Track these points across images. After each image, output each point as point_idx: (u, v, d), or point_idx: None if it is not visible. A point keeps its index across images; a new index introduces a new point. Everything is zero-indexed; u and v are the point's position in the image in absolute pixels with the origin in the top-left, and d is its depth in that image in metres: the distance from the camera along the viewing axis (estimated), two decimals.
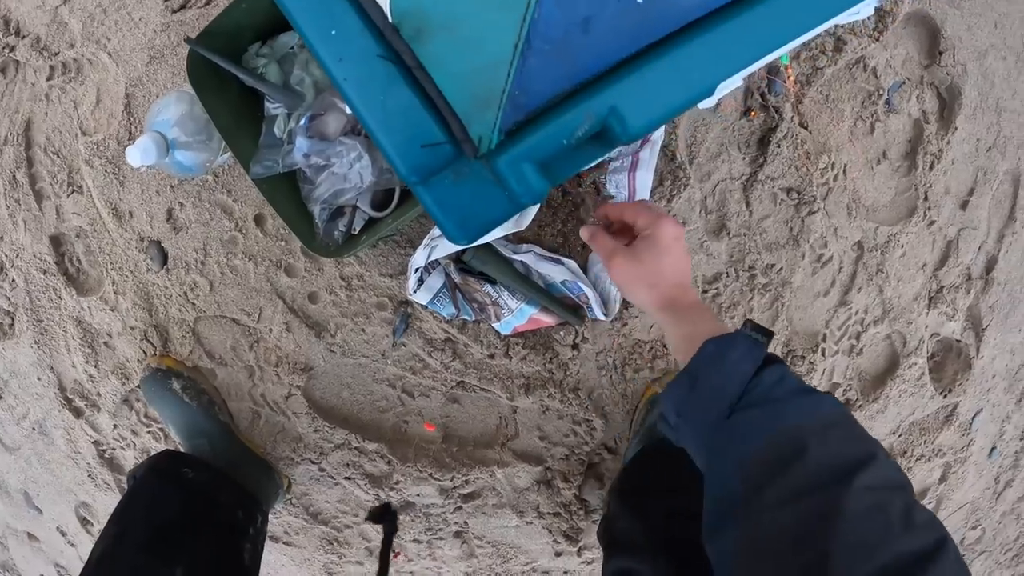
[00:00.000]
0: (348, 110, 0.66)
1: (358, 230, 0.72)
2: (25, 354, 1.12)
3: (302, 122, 0.68)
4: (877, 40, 0.96)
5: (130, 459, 1.16)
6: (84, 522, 1.33)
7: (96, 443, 1.15)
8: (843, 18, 0.51)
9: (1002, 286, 1.19)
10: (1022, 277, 1.23)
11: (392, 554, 1.10)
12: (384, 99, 0.33)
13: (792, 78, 0.86)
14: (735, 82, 0.41)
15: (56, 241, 1.01)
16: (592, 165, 0.75)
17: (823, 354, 1.03)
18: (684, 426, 0.51)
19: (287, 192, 0.71)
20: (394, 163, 0.35)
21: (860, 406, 1.13)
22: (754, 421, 0.44)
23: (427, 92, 0.33)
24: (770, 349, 0.94)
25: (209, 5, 0.86)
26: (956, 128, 1.03)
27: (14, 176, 1.00)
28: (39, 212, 1.00)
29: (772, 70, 0.84)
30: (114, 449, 1.16)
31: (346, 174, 0.67)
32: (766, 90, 0.84)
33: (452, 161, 0.34)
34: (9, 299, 1.09)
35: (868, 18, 0.96)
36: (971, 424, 1.37)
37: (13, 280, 1.06)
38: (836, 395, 1.13)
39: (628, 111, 0.35)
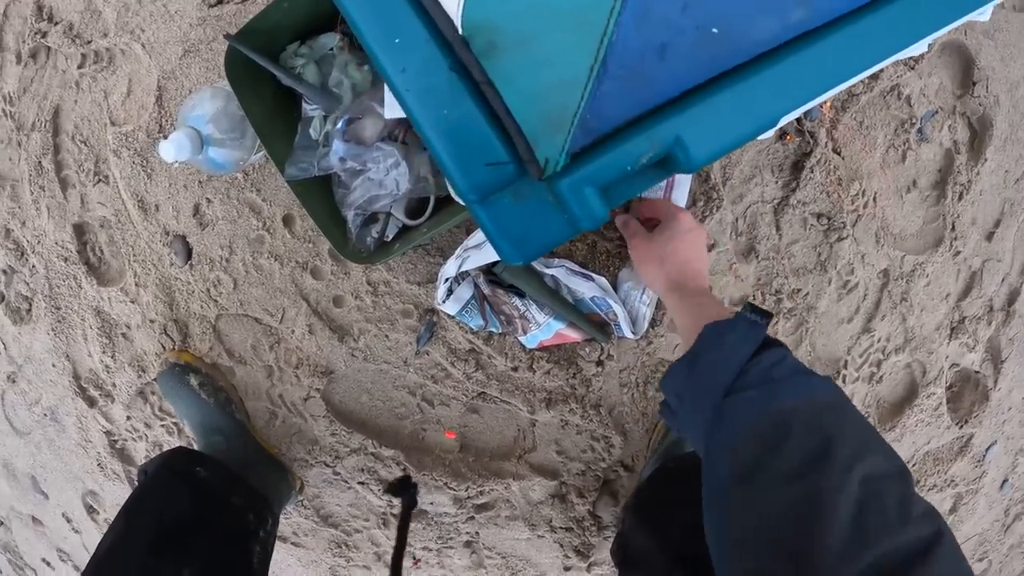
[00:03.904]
0: (386, 115, 0.65)
1: (391, 237, 0.71)
2: (41, 340, 1.11)
3: (339, 125, 0.67)
4: (912, 68, 0.95)
5: (141, 451, 1.15)
6: (90, 510, 1.32)
7: (108, 433, 1.14)
8: (904, 53, 0.50)
9: (1023, 319, 1.17)
10: None
11: (413, 561, 1.08)
12: (448, 113, 0.32)
13: (828, 103, 0.85)
14: (796, 114, 0.40)
15: (79, 230, 1.00)
16: None
17: (843, 380, 1.01)
18: (683, 410, 0.51)
19: (321, 195, 0.70)
20: (453, 179, 0.33)
21: (881, 430, 1.12)
22: (749, 402, 0.42)
23: (494, 109, 0.32)
24: None
25: (246, 2, 0.86)
26: (986, 159, 1.01)
27: (40, 162, 0.99)
28: (63, 200, 0.99)
29: None
30: (126, 440, 1.15)
31: (382, 180, 0.66)
32: (803, 115, 0.82)
33: (513, 181, 0.33)
34: (28, 284, 1.08)
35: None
36: (984, 456, 1.36)
37: (33, 266, 1.05)
38: None
39: (692, 141, 0.33)
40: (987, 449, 1.38)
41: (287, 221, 0.87)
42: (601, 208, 0.33)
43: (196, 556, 0.71)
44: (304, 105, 0.71)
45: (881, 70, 0.91)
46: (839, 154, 0.88)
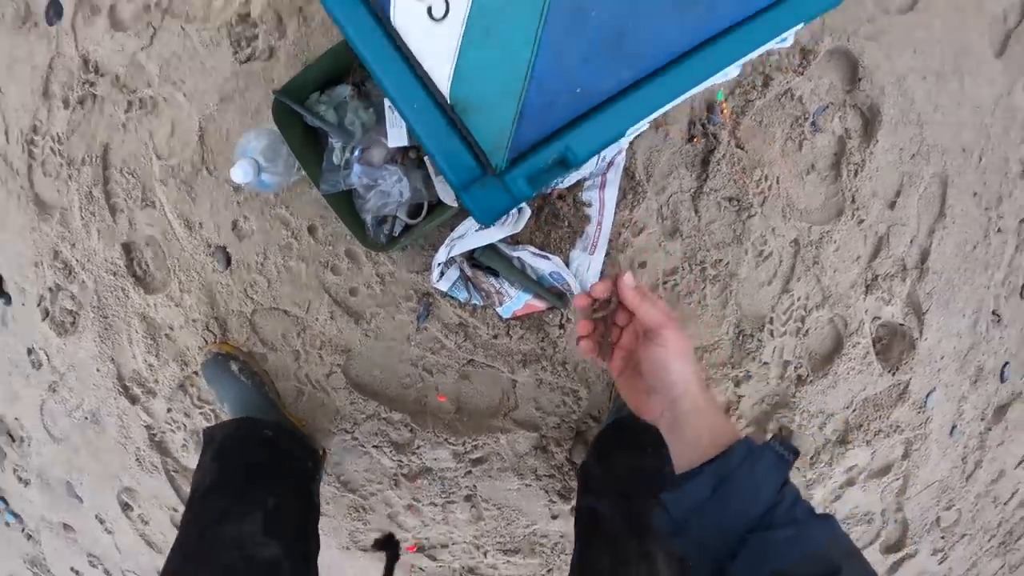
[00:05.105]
0: (390, 144, 1.00)
1: (398, 233, 1.06)
2: (87, 348, 1.42)
3: (355, 153, 1.02)
4: (801, 74, 1.30)
5: (179, 442, 1.45)
6: (125, 507, 1.61)
7: (148, 427, 1.45)
8: (724, 75, 0.86)
9: (938, 274, 1.48)
10: (959, 267, 1.53)
11: (407, 547, 1.41)
12: (442, 141, 0.66)
13: (728, 111, 1.21)
14: (643, 126, 0.74)
15: (127, 248, 1.32)
16: (569, 183, 1.10)
17: (771, 334, 1.35)
18: (696, 524, 0.55)
19: (346, 204, 1.05)
20: (448, 178, 0.67)
21: (811, 381, 1.43)
22: (788, 542, 0.50)
23: (468, 139, 0.66)
24: (723, 331, 1.25)
25: (271, 59, 1.21)
26: (877, 141, 1.33)
27: (91, 192, 1.31)
28: (112, 223, 1.31)
29: (710, 106, 1.19)
30: (164, 433, 1.46)
31: (389, 191, 1.01)
32: (706, 121, 1.19)
33: (479, 177, 0.67)
34: (73, 298, 1.39)
35: (792, 56, 1.31)
36: (925, 402, 1.64)
37: (83, 282, 1.37)
38: (788, 372, 1.44)
39: (576, 148, 0.68)
40: (927, 396, 1.66)
41: (311, 230, 1.21)
42: (528, 190, 0.67)
43: (277, 489, 1.04)
44: (330, 139, 1.06)
45: (772, 79, 1.28)
46: (743, 148, 1.25)
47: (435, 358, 1.28)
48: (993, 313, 1.67)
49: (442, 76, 0.63)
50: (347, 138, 1.04)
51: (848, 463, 1.64)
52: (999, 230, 1.59)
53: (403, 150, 1.03)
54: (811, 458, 1.57)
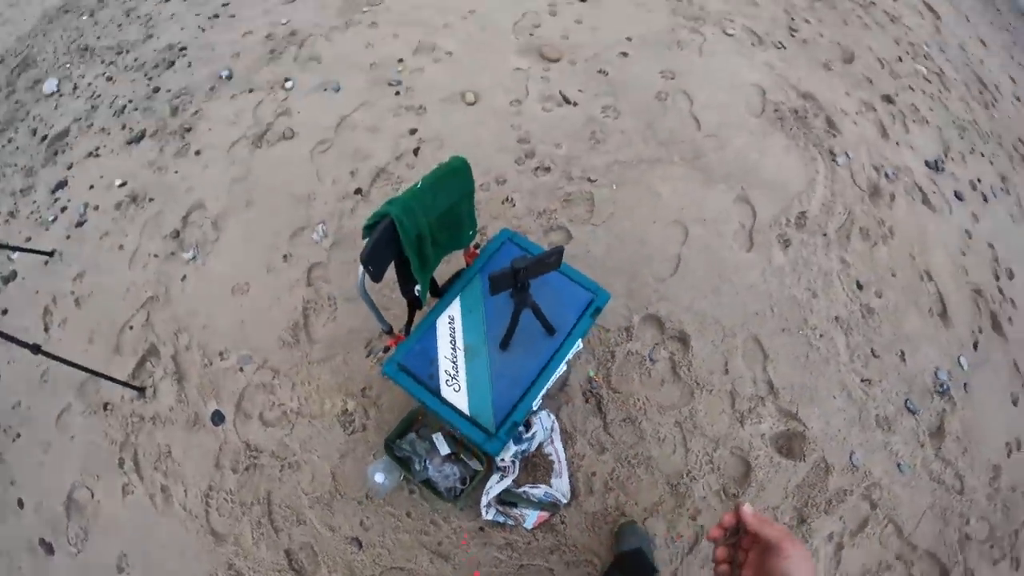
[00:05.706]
0: (442, 453, 2.10)
1: (458, 494, 2.09)
2: None
3: (427, 463, 2.11)
4: (631, 339, 2.50)
5: None
6: None
7: None
8: (558, 372, 2.05)
9: (788, 388, 2.31)
10: (802, 374, 2.31)
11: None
12: (470, 428, 1.75)
13: (600, 377, 2.39)
14: (538, 402, 1.86)
15: (288, 552, 2.20)
16: (535, 447, 2.20)
17: (694, 480, 2.26)
18: None
19: (429, 486, 2.09)
20: (474, 441, 1.74)
21: (744, 492, 2.22)
22: None
23: (479, 425, 1.75)
24: (660, 490, 2.29)
25: (365, 431, 2.36)
26: (693, 348, 2.42)
27: (259, 521, 2.24)
28: (276, 538, 2.22)
29: (589, 380, 2.37)
30: None
31: (448, 474, 2.08)
32: (590, 388, 2.35)
33: (487, 437, 1.74)
34: None
35: (621, 333, 2.48)
36: (851, 463, 2.19)
37: None
38: (720, 493, 2.30)
39: (516, 418, 1.77)
40: (850, 457, 2.20)
41: (408, 514, 2.21)
42: (506, 437, 1.74)
43: None
44: (412, 457, 2.16)
45: (614, 351, 2.48)
46: (618, 392, 2.38)
47: (498, 570, 2.16)
48: (861, 380, 2.36)
49: (464, 407, 1.78)
50: (419, 457, 2.14)
51: (823, 532, 2.14)
52: (821, 335, 2.44)
53: (449, 455, 2.14)
54: None
